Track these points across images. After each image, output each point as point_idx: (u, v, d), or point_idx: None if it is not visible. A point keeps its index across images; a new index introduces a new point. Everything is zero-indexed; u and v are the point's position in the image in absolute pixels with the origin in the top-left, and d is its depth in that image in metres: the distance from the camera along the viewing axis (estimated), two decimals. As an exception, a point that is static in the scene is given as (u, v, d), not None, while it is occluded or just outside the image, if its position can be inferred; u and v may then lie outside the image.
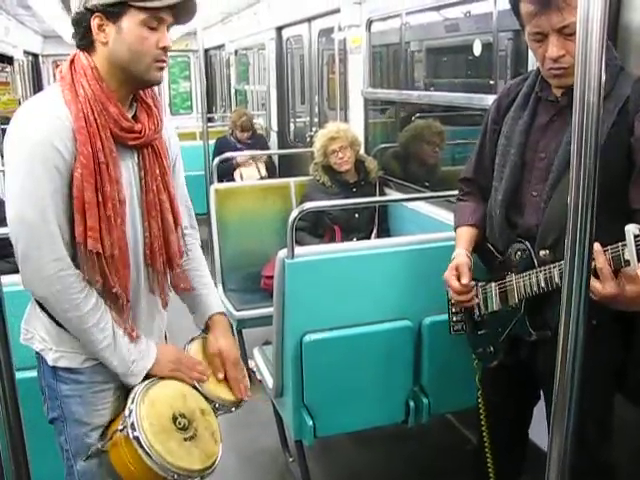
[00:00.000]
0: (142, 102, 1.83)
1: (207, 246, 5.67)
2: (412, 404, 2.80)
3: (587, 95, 1.07)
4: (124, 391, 1.85)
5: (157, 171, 1.83)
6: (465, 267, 2.14)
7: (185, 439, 1.77)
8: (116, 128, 1.70)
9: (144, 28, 1.66)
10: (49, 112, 1.67)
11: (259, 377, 3.38)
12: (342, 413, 2.74)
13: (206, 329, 2.06)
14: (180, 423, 1.78)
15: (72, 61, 1.74)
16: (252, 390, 4.03)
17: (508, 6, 1.95)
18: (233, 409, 1.99)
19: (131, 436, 1.70)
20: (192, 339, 2.05)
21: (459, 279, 2.15)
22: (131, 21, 1.65)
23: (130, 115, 1.76)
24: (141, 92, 1.82)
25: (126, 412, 1.74)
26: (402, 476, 3.24)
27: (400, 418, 2.84)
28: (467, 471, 2.60)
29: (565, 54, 1.80)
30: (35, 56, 13.34)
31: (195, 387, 1.90)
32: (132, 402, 1.75)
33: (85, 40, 1.71)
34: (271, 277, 2.81)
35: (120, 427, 1.73)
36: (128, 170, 1.77)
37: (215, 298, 2.10)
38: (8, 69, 9.97)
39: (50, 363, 1.80)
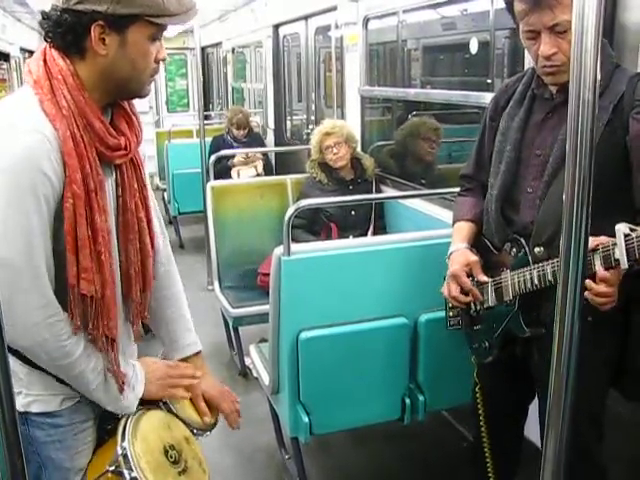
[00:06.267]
0: (118, 106, 1.60)
1: (204, 244, 5.71)
2: (408, 401, 2.81)
3: (582, 92, 1.07)
4: (97, 421, 1.71)
5: (135, 186, 1.64)
6: (478, 265, 2.15)
7: (179, 473, 1.66)
8: (102, 146, 1.49)
9: (149, 42, 1.49)
10: (33, 128, 1.41)
11: (255, 374, 3.39)
12: (338, 410, 2.74)
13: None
14: (172, 456, 1.66)
15: (45, 61, 1.48)
16: (248, 387, 4.07)
17: (504, 4, 1.95)
18: (208, 433, 1.89)
19: (128, 477, 1.54)
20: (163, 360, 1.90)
21: (468, 276, 2.16)
22: (139, 34, 1.46)
23: (107, 122, 1.54)
24: None
25: (118, 450, 1.57)
26: (398, 473, 3.24)
27: (396, 415, 2.84)
28: (463, 467, 2.61)
29: (557, 52, 1.81)
30: (31, 53, 13.30)
31: (172, 412, 1.79)
32: (123, 439, 1.58)
33: (74, 47, 1.46)
34: (268, 274, 2.81)
35: (111, 467, 1.57)
36: (108, 191, 1.56)
37: (192, 333, 1.91)
38: (4, 66, 9.94)
39: (20, 409, 1.51)
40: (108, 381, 1.59)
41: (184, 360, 1.90)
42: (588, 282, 1.66)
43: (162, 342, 1.93)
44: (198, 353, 1.92)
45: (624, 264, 1.57)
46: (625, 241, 1.56)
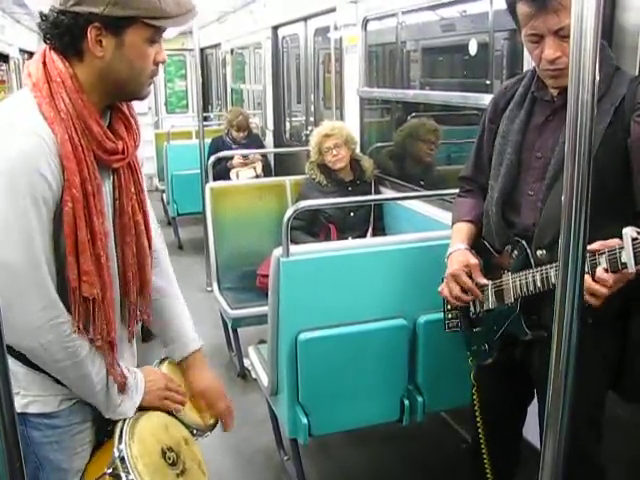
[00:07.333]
0: (117, 110, 1.60)
1: (202, 245, 5.71)
2: (407, 402, 2.81)
3: (581, 94, 1.08)
4: (97, 422, 1.70)
5: (132, 189, 1.64)
6: (477, 267, 2.14)
7: (177, 475, 1.65)
8: (99, 150, 1.49)
9: (147, 44, 1.48)
10: (31, 131, 1.41)
11: (254, 376, 3.39)
12: (337, 411, 2.74)
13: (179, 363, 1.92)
14: (170, 458, 1.65)
15: (44, 63, 1.47)
16: (247, 389, 4.07)
17: (504, 6, 1.95)
18: (208, 433, 1.90)
19: None
20: (161, 361, 1.91)
21: (469, 277, 2.15)
22: (136, 36, 1.46)
23: (105, 126, 1.54)
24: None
25: (115, 452, 1.56)
26: (397, 474, 3.24)
27: (395, 416, 2.84)
28: (462, 469, 2.61)
29: (561, 55, 1.80)
30: (31, 54, 13.29)
31: (171, 414, 1.79)
32: (120, 441, 1.58)
33: (72, 48, 1.46)
34: (266, 276, 2.81)
35: (109, 470, 1.56)
36: (105, 194, 1.56)
37: (191, 330, 1.91)
38: (4, 67, 9.94)
39: (18, 410, 1.48)
40: (110, 386, 1.60)
41: (185, 358, 1.90)
42: (586, 278, 1.66)
43: (163, 342, 1.93)
44: (199, 350, 1.92)
45: (632, 267, 1.56)
46: (633, 245, 1.55)
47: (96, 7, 1.40)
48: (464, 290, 2.16)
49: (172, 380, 1.82)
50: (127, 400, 1.65)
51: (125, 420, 1.65)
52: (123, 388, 1.64)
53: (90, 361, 1.54)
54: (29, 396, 1.57)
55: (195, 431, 1.85)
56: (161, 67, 1.61)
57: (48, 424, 1.60)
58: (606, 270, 1.64)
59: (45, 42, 1.50)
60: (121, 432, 1.61)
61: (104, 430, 1.71)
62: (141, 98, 1.59)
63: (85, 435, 1.68)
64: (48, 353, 1.48)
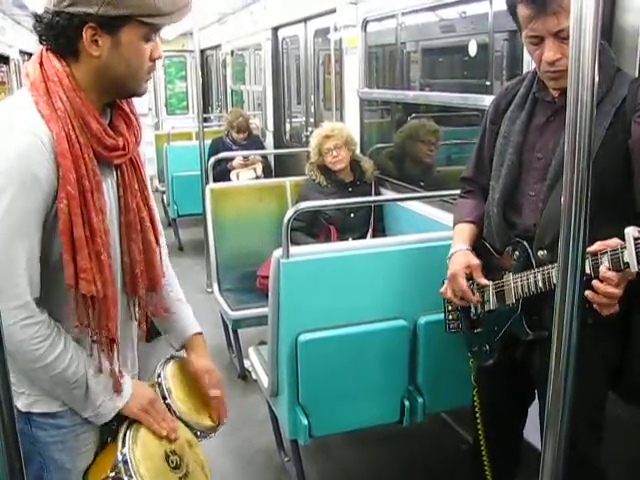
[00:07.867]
0: (117, 107, 1.60)
1: (203, 246, 5.71)
2: (407, 403, 2.81)
3: (581, 94, 1.08)
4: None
5: (136, 186, 1.64)
6: (478, 268, 2.14)
7: (180, 478, 1.65)
8: (99, 147, 1.49)
9: (143, 42, 1.48)
10: (26, 129, 1.41)
11: (254, 377, 3.39)
12: (337, 412, 2.74)
13: (180, 349, 1.92)
14: (173, 462, 1.65)
15: (41, 63, 1.48)
16: (248, 390, 4.06)
17: (504, 7, 1.95)
18: (212, 435, 1.88)
19: None
20: (166, 360, 1.89)
21: (469, 279, 2.16)
22: (132, 35, 1.45)
23: (106, 123, 1.54)
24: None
25: (118, 456, 1.56)
26: (397, 475, 3.24)
27: (395, 417, 2.84)
28: (463, 470, 2.60)
29: (561, 57, 1.81)
30: (31, 55, 13.25)
31: (175, 415, 1.76)
32: (123, 445, 1.58)
33: (68, 49, 1.46)
34: (267, 277, 2.81)
35: (112, 474, 1.56)
36: (108, 191, 1.56)
37: (191, 316, 1.92)
38: (4, 69, 9.95)
39: (23, 409, 1.56)
40: (90, 386, 1.56)
41: (186, 341, 1.89)
42: (595, 282, 1.66)
43: (162, 330, 1.92)
44: (198, 333, 1.91)
45: (634, 267, 1.56)
46: (635, 244, 1.55)
47: (90, 7, 1.40)
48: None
49: (163, 408, 1.74)
50: (108, 402, 1.60)
51: (129, 424, 1.64)
52: (119, 387, 1.61)
53: (61, 362, 1.50)
54: (33, 395, 1.58)
55: (199, 433, 1.84)
56: (161, 68, 1.60)
57: (53, 424, 1.61)
58: (609, 269, 1.64)
59: (41, 43, 1.50)
60: (124, 436, 1.61)
61: (108, 430, 1.70)
62: (139, 95, 1.59)
63: (89, 435, 1.68)
64: (18, 353, 1.46)
